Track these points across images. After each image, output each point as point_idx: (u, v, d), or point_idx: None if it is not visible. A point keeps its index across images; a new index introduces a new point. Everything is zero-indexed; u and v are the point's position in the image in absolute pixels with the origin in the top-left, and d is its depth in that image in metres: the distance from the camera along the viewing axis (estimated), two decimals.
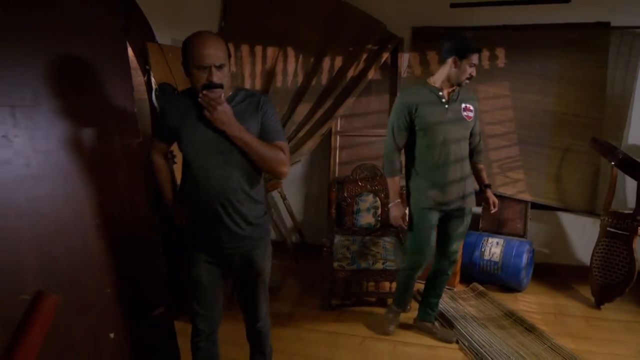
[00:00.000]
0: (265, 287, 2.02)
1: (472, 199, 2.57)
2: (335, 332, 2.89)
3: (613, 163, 3.12)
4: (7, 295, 1.49)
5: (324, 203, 4.06)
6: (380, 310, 3.12)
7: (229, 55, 1.70)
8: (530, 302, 3.27)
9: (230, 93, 1.78)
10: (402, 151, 2.59)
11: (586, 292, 3.33)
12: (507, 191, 3.60)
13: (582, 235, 3.59)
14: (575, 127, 3.49)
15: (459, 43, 2.41)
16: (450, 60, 2.40)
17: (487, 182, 2.72)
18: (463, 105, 2.48)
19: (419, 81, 2.65)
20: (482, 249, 3.45)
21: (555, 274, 3.64)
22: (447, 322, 2.95)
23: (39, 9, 1.67)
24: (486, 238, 3.51)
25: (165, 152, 1.98)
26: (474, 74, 2.43)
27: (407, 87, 2.53)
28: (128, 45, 2.39)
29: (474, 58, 2.39)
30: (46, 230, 1.65)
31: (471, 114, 2.49)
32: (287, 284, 3.62)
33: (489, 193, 2.70)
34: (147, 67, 2.69)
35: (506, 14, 3.50)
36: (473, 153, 2.65)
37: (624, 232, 3.04)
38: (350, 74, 3.67)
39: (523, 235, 3.59)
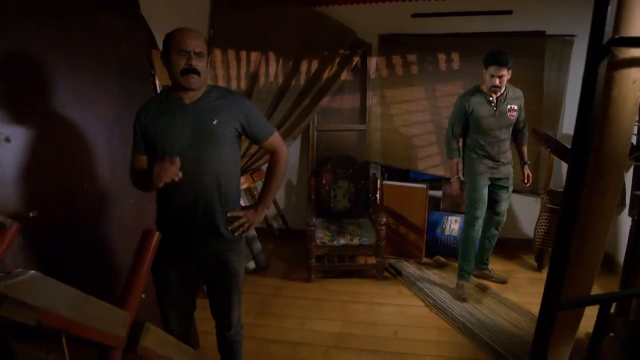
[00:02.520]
0: (239, 292, 1.98)
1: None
2: (320, 298, 3.36)
3: (549, 150, 3.71)
4: (67, 259, 1.91)
5: (303, 191, 4.51)
6: (358, 281, 3.63)
7: (207, 54, 1.75)
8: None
9: (205, 89, 1.79)
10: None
11: (530, 259, 3.92)
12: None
13: (527, 212, 4.19)
14: None
15: (487, 55, 2.99)
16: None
17: (525, 159, 3.38)
18: (508, 106, 3.11)
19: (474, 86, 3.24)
20: (443, 226, 4.00)
21: (505, 246, 4.20)
22: (415, 287, 3.46)
23: (81, 25, 2.05)
24: (447, 217, 4.06)
25: (145, 167, 1.82)
26: (497, 83, 2.97)
27: (466, 92, 3.23)
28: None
29: (491, 70, 2.95)
30: (95, 207, 2.04)
31: (515, 114, 3.14)
32: (274, 264, 4.05)
33: (525, 168, 3.38)
34: (152, 72, 3.06)
35: (459, 23, 4.05)
36: (518, 136, 3.33)
37: (559, 207, 3.64)
38: (325, 75, 4.14)
39: None
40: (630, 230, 2.64)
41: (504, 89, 3.09)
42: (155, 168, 1.61)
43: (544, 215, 3.77)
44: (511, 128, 3.21)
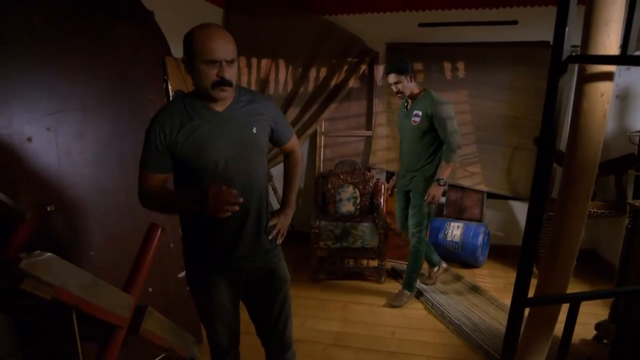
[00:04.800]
0: (290, 303, 1.88)
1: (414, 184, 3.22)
2: (322, 299, 3.46)
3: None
4: (80, 251, 2.04)
5: (310, 194, 4.62)
6: (360, 282, 3.73)
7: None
8: (485, 275, 3.90)
9: (235, 93, 1.63)
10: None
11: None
12: (466, 183, 4.23)
13: None
14: (523, 128, 4.13)
15: None
16: None
17: (439, 177, 3.07)
18: (414, 112, 3.11)
19: None
20: (445, 232, 4.07)
21: (507, 253, 4.26)
22: (416, 290, 3.54)
23: (99, 34, 2.21)
24: (449, 222, 4.13)
25: (164, 185, 1.62)
26: (395, 90, 3.14)
27: None
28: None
29: (387, 78, 3.14)
30: (107, 203, 2.18)
31: (417, 119, 3.11)
32: None
33: (432, 186, 3.08)
34: (165, 77, 3.21)
35: (465, 32, 4.13)
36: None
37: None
38: (333, 82, 4.26)
39: (480, 220, 4.22)
40: (624, 238, 2.70)
41: (415, 93, 3.17)
42: (210, 195, 1.38)
43: (547, 224, 3.82)
44: (421, 136, 3.11)
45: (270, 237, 1.77)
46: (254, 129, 1.62)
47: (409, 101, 3.21)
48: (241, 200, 1.42)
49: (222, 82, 1.48)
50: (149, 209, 1.60)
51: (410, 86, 3.13)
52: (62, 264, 0.95)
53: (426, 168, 3.16)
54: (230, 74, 1.49)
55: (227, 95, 1.55)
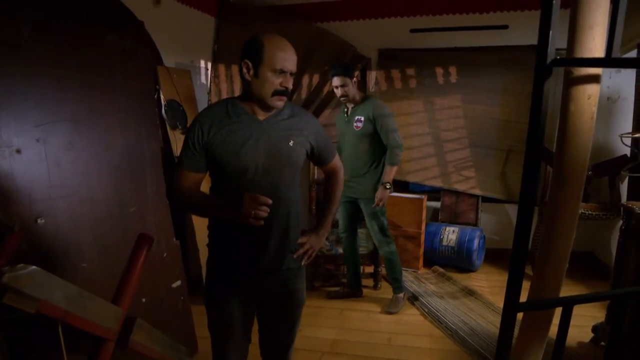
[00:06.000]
0: (299, 324, 1.83)
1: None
2: (319, 306, 3.44)
3: (545, 161, 3.79)
4: (72, 264, 2.02)
5: (304, 202, 4.61)
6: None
7: None
8: (481, 280, 3.89)
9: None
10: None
11: (529, 270, 3.95)
12: (461, 187, 4.24)
13: None
14: (516, 131, 4.14)
15: None
16: None
17: (384, 180, 3.08)
18: (356, 117, 3.12)
19: None
20: (441, 237, 4.06)
21: (503, 257, 4.25)
22: (412, 296, 3.53)
23: (89, 45, 2.20)
24: (444, 227, 4.13)
25: (198, 185, 1.61)
26: (341, 92, 3.08)
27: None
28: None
29: (332, 81, 3.09)
30: (99, 215, 2.16)
31: (359, 124, 3.10)
32: None
33: (379, 189, 3.10)
34: (157, 86, 3.21)
35: (457, 37, 4.15)
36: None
37: None
38: (326, 89, 4.27)
39: (475, 224, 4.22)
40: (619, 240, 2.70)
41: (357, 99, 3.14)
42: (245, 202, 1.40)
43: (541, 226, 3.83)
44: (364, 142, 3.12)
45: (295, 256, 1.70)
46: (291, 142, 1.60)
47: (349, 107, 3.19)
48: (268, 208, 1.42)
49: (284, 92, 1.52)
50: (179, 208, 1.57)
51: (354, 90, 3.11)
52: (47, 276, 0.94)
53: (371, 174, 3.16)
54: (291, 85, 1.55)
55: (282, 105, 1.58)
